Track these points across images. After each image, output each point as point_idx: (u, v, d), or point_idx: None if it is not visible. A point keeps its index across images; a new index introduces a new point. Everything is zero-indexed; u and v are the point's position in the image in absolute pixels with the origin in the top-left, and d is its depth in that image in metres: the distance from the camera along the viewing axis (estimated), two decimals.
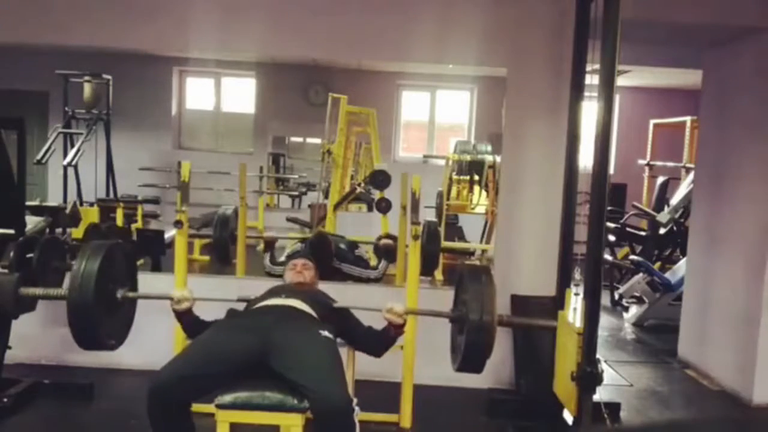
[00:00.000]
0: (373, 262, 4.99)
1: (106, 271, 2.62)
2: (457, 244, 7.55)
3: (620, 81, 7.58)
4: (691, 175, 6.08)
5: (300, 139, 9.37)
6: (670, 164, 7.41)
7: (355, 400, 2.32)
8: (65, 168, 7.10)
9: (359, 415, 2.32)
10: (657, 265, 6.27)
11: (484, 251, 7.44)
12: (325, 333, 2.56)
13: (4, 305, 3.03)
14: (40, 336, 3.90)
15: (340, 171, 6.66)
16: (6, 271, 3.05)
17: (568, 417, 3.08)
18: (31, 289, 2.98)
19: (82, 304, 2.52)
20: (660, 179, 7.17)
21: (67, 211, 5.72)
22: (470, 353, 2.67)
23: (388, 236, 5.66)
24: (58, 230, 5.72)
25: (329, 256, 4.49)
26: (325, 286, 3.20)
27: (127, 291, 2.81)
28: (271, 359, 2.41)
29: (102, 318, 2.62)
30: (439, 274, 6.60)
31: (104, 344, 2.64)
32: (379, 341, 2.82)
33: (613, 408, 3.61)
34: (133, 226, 6.59)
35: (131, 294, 2.84)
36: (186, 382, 2.34)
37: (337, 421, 2.25)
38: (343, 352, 3.14)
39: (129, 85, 8.03)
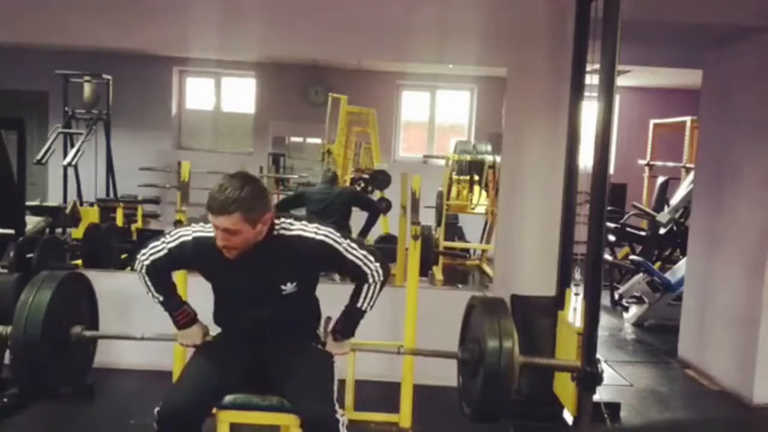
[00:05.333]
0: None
1: (59, 305, 2.28)
2: (457, 244, 7.56)
3: (620, 81, 7.57)
4: (691, 175, 6.08)
5: (300, 139, 9.37)
6: (670, 164, 7.41)
7: (341, 413, 2.27)
8: (65, 168, 7.11)
9: (349, 419, 2.29)
10: (657, 265, 6.27)
11: (484, 251, 7.45)
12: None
13: (4, 305, 3.03)
14: None
15: (340, 171, 6.67)
16: (6, 271, 3.05)
17: (568, 417, 3.08)
18: None
19: (29, 344, 2.16)
20: (660, 179, 7.17)
21: (67, 211, 5.73)
22: (487, 403, 2.44)
23: (388, 237, 5.66)
24: (58, 230, 5.72)
25: None
26: (321, 285, 3.18)
27: (83, 329, 2.40)
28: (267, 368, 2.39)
29: (53, 360, 2.27)
30: (438, 274, 6.62)
31: (55, 391, 2.33)
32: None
33: (613, 408, 3.62)
34: (133, 226, 6.60)
35: (88, 333, 2.41)
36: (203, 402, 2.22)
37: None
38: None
39: (129, 85, 8.03)
